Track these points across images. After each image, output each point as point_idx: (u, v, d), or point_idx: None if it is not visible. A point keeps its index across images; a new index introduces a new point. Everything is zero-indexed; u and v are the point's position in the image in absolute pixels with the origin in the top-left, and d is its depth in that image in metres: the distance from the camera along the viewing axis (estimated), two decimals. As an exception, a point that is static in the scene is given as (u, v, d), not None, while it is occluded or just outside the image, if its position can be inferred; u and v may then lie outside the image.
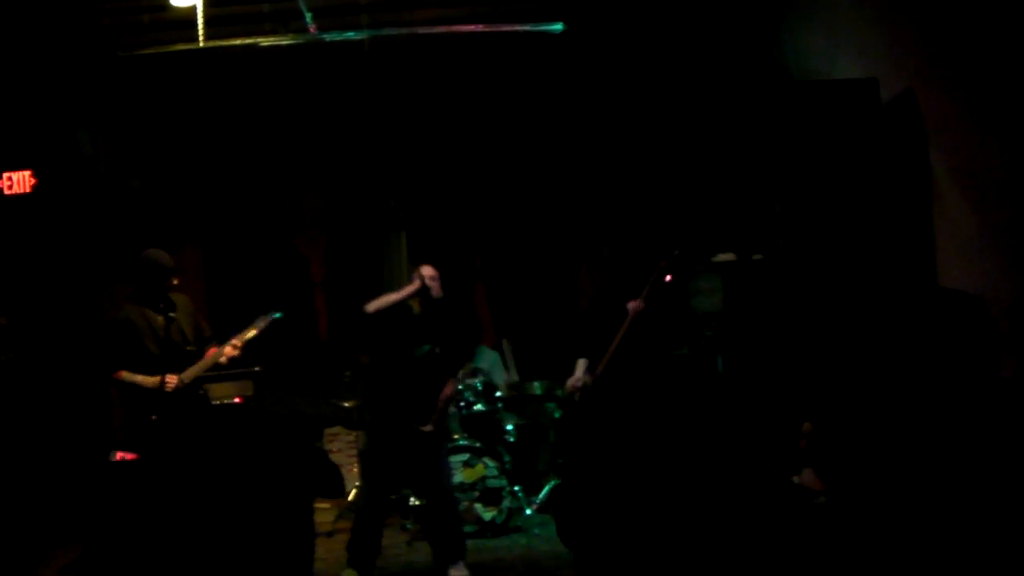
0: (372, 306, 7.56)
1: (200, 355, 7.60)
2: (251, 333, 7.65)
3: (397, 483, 8.03)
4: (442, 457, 7.80)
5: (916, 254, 6.30)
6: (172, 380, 7.38)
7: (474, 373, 9.49)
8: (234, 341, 7.55)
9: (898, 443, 3.93)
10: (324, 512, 9.53)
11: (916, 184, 6.31)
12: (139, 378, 7.39)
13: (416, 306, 7.65)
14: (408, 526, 8.68)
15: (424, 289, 7.55)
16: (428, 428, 7.49)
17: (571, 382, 7.57)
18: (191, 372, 7.50)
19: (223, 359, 7.57)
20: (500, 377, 9.91)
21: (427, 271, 7.62)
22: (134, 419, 7.48)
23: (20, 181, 8.97)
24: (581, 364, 7.62)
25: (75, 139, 9.60)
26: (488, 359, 10.04)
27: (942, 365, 4.01)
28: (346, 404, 9.38)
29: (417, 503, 8.56)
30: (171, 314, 7.53)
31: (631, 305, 7.26)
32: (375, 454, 7.74)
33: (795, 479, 5.17)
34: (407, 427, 7.45)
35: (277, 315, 7.75)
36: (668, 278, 7.28)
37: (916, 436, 3.85)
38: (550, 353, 10.78)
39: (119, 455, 7.53)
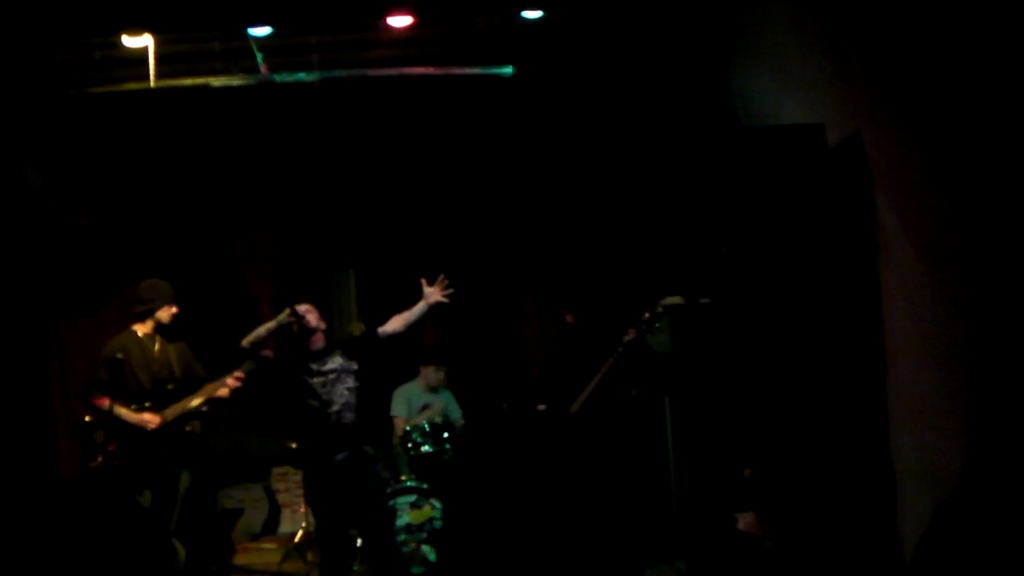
0: (246, 340, 7.64)
1: (181, 394, 7.64)
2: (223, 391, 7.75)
3: (344, 516, 7.97)
4: (378, 482, 7.89)
5: (862, 298, 6.35)
6: (154, 420, 7.43)
7: (423, 408, 9.50)
8: (237, 374, 7.60)
9: (835, 487, 3.97)
10: (270, 552, 9.48)
11: (862, 228, 6.36)
12: (124, 412, 7.46)
13: (320, 341, 7.72)
14: (356, 567, 8.61)
15: (297, 318, 7.63)
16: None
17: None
18: (175, 409, 7.58)
19: (224, 391, 7.64)
20: (456, 413, 9.86)
21: (301, 307, 7.72)
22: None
23: (-33, 216, 8.93)
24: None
25: (23, 174, 9.55)
26: (444, 397, 9.99)
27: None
28: (292, 444, 9.34)
29: (361, 543, 8.49)
30: (163, 346, 7.64)
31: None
32: (315, 483, 7.85)
33: (739, 523, 5.20)
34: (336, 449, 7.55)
35: (251, 367, 7.81)
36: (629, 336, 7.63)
37: (853, 481, 3.89)
38: (499, 388, 10.81)
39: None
